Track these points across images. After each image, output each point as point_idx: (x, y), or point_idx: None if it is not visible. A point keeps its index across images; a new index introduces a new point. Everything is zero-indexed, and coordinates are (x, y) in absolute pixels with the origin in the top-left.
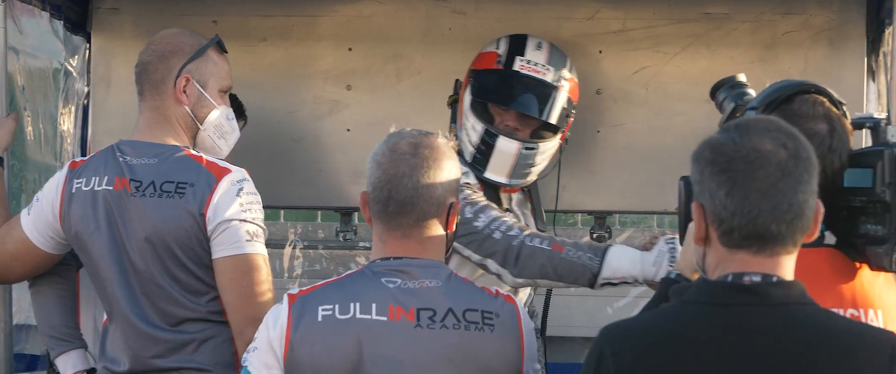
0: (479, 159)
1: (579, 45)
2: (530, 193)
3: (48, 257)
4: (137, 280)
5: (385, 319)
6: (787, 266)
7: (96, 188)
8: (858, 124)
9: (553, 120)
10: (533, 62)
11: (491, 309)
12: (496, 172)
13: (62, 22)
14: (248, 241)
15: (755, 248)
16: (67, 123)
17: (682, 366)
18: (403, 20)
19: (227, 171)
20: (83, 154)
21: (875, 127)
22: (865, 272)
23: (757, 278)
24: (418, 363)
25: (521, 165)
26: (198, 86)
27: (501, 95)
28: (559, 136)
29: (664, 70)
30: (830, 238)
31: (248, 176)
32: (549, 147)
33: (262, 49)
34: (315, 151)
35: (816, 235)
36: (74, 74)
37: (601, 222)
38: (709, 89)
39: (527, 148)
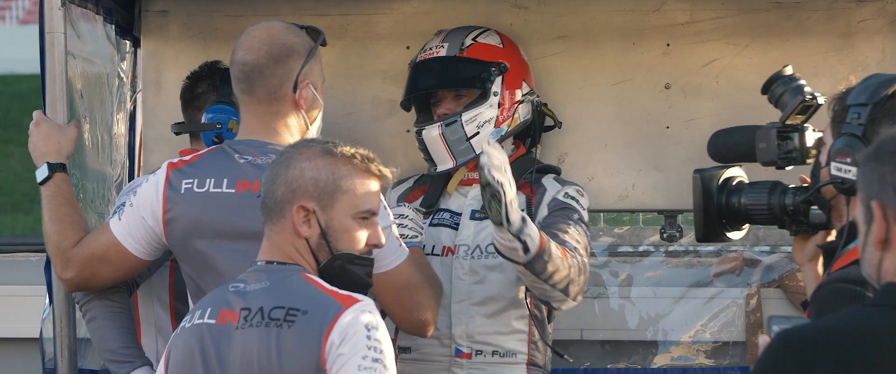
0: (428, 159)
1: (645, 39)
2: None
3: (138, 262)
4: None
5: (214, 322)
6: None
7: (212, 190)
8: None
9: (455, 86)
10: (427, 48)
11: (299, 306)
12: (441, 162)
13: (114, 26)
14: (399, 246)
15: None
16: (122, 129)
17: None
18: (462, 16)
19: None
20: (132, 161)
21: None
22: None
23: None
24: (230, 364)
25: (455, 142)
26: (312, 88)
27: (407, 88)
28: (490, 99)
29: (734, 62)
30: None
31: None
32: (476, 113)
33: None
34: (374, 152)
35: None
36: (125, 80)
37: (672, 220)
38: None
39: (446, 124)
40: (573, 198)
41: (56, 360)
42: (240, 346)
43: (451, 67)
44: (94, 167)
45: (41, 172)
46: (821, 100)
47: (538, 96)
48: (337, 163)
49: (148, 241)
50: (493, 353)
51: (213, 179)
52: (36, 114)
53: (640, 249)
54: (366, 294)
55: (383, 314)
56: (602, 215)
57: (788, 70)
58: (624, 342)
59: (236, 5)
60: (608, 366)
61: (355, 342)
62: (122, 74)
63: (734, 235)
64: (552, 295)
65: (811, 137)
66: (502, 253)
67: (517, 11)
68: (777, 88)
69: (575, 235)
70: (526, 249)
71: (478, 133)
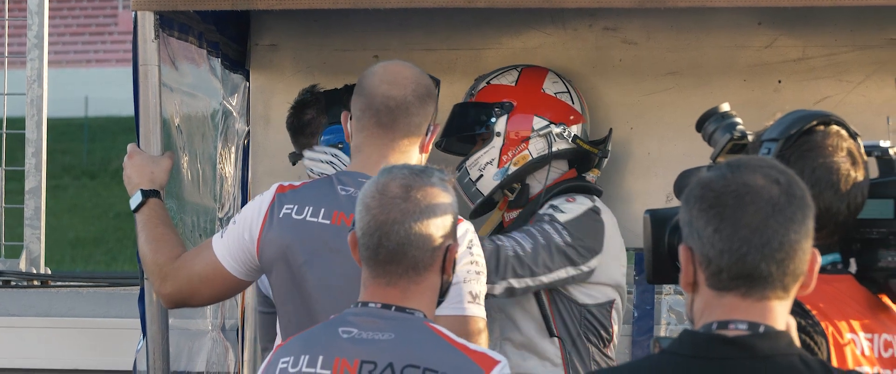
0: None
1: (756, 75)
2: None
3: (237, 283)
4: None
5: (328, 372)
6: (777, 313)
7: (308, 219)
8: (867, 153)
9: (455, 132)
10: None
11: (436, 368)
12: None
13: (220, 60)
14: (469, 302)
15: (744, 290)
16: (227, 164)
17: None
18: (571, 52)
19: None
20: (244, 197)
21: (883, 156)
22: (889, 302)
23: (743, 327)
24: None
25: (465, 186)
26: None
27: None
28: (493, 140)
29: (847, 100)
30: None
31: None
32: (477, 156)
33: None
34: None
35: (812, 287)
36: (234, 114)
37: None
38: None
39: (458, 170)
40: (553, 206)
41: None
42: None
43: (459, 113)
44: (193, 201)
45: (135, 200)
46: (751, 138)
47: (565, 128)
48: (452, 194)
49: (245, 261)
50: None
51: (311, 208)
52: (130, 147)
53: None
54: None
55: None
56: None
57: (725, 107)
58: None
59: (346, 39)
60: None
61: None
62: (231, 108)
63: None
64: None
65: None
66: None
67: (627, 47)
68: (709, 125)
69: (521, 232)
70: None
71: (482, 176)
